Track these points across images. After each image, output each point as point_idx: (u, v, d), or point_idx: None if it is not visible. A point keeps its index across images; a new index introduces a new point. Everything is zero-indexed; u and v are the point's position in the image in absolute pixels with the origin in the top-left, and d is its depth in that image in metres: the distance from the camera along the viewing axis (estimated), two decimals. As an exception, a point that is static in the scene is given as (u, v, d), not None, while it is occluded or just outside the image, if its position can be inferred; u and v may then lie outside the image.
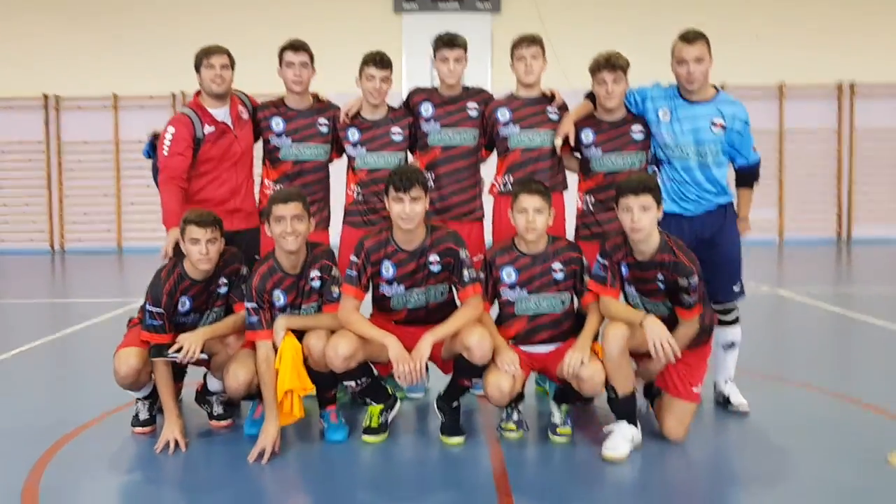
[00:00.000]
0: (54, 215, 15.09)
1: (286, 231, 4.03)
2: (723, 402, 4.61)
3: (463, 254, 4.15)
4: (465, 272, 4.14)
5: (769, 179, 14.75)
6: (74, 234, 15.16)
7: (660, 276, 3.97)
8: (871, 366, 5.94)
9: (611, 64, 4.48)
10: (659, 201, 3.93)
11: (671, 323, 4.01)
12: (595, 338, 4.15)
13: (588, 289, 4.21)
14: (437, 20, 14.23)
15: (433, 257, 4.15)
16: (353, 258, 4.15)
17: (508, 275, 4.24)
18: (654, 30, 14.59)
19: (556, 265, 4.23)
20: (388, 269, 4.16)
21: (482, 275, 4.27)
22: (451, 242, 4.16)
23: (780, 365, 5.73)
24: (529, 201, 4.12)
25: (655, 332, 3.85)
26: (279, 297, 4.16)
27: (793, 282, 10.45)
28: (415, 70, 13.25)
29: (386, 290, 4.22)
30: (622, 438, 3.89)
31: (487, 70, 13.89)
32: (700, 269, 3.96)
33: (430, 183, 4.66)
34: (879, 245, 14.43)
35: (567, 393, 4.13)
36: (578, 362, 3.91)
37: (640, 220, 3.85)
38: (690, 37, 4.41)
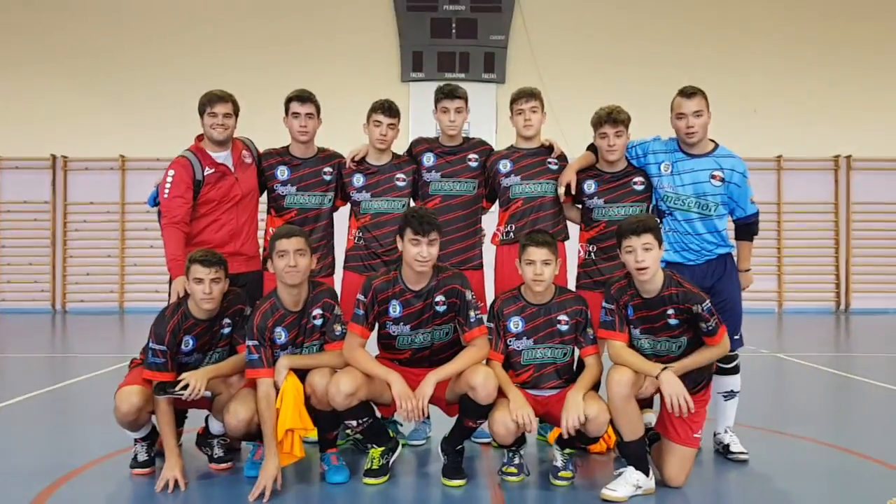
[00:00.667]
0: (57, 275, 15.17)
1: (289, 265, 4.09)
2: (722, 451, 4.60)
3: (469, 295, 4.21)
4: (471, 313, 4.19)
5: (769, 250, 14.90)
6: (77, 295, 15.21)
7: (669, 312, 3.99)
8: (868, 421, 5.97)
9: (612, 118, 4.61)
10: (660, 240, 3.99)
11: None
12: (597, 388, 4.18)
13: (590, 341, 4.26)
14: (443, 89, 14.68)
15: (439, 298, 4.20)
16: (360, 297, 4.20)
17: (516, 324, 4.29)
18: (654, 101, 14.91)
19: (563, 317, 4.27)
20: (395, 309, 4.21)
21: (490, 324, 4.31)
22: (457, 283, 4.22)
23: (778, 419, 5.72)
24: (537, 253, 4.19)
25: (672, 387, 3.86)
26: (280, 335, 4.19)
27: (791, 347, 10.48)
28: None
29: (392, 329, 4.26)
30: (625, 482, 3.87)
31: (492, 137, 14.11)
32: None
33: None
34: (877, 315, 14.50)
35: (570, 437, 4.13)
36: (576, 420, 3.92)
37: (645, 260, 3.91)
38: (689, 91, 4.54)
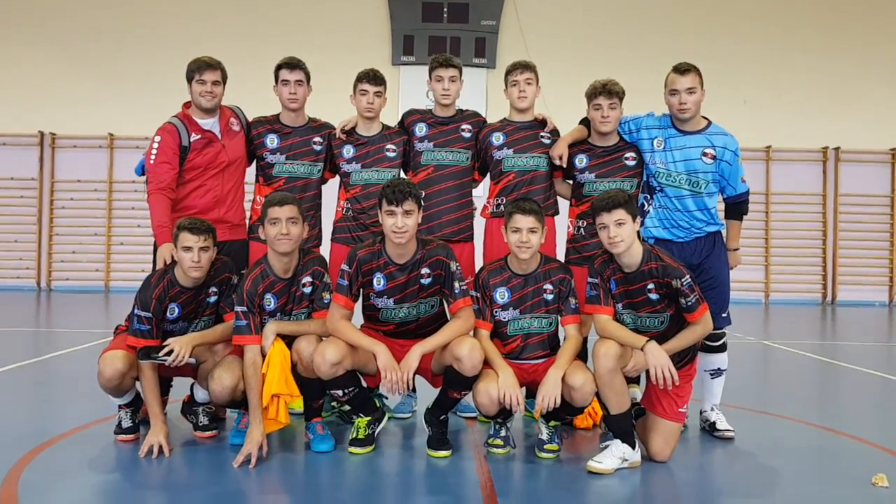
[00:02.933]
0: (43, 253, 15.06)
1: (281, 232, 4.05)
2: (708, 429, 4.61)
3: (454, 266, 4.17)
4: (456, 284, 4.16)
5: (756, 241, 14.95)
6: (62, 273, 15.12)
7: (650, 286, 3.99)
8: (851, 403, 6.04)
9: (607, 90, 4.59)
10: (634, 214, 3.97)
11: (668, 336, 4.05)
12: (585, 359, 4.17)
13: (571, 310, 4.24)
14: (434, 73, 14.67)
15: (425, 270, 4.15)
16: (344, 267, 4.16)
17: (502, 295, 4.27)
18: (644, 89, 14.92)
19: (548, 286, 4.27)
20: (378, 282, 4.17)
21: (475, 293, 4.28)
22: (442, 255, 4.17)
23: (764, 401, 5.76)
24: (524, 221, 4.16)
25: (657, 358, 3.84)
26: (270, 301, 4.16)
27: (778, 335, 10.53)
28: (410, 120, 13.34)
29: (376, 301, 4.23)
30: (611, 454, 3.87)
31: (481, 122, 14.10)
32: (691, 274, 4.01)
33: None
34: (863, 308, 14.61)
35: (555, 409, 4.11)
36: (551, 401, 3.92)
37: (618, 235, 3.90)
38: (683, 68, 4.52)
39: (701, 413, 4.70)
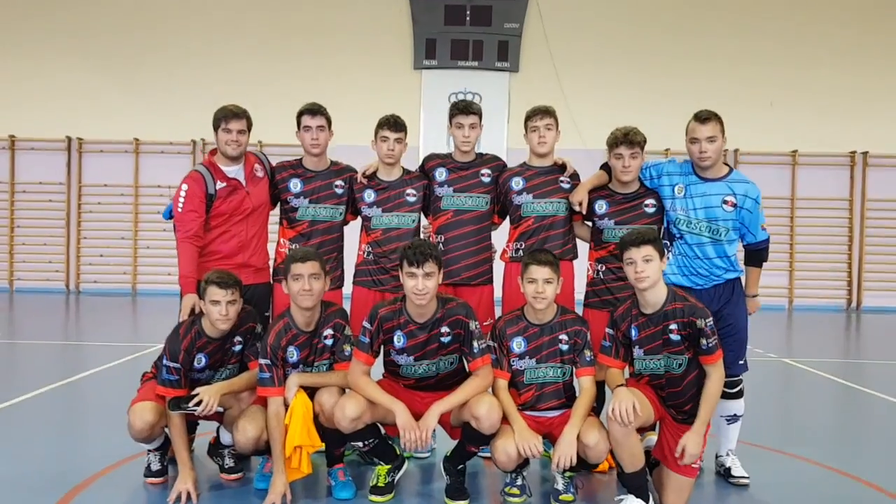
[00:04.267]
0: (71, 256, 15.31)
1: (304, 288, 4.16)
2: (723, 474, 4.65)
3: (473, 325, 4.23)
4: (475, 343, 4.22)
5: (781, 246, 14.85)
6: (90, 276, 15.36)
7: (672, 327, 4.03)
8: (873, 441, 5.95)
9: (629, 140, 4.61)
10: (661, 252, 4.05)
11: (688, 384, 4.10)
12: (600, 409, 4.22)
13: (586, 363, 4.30)
14: (456, 78, 14.57)
15: (444, 329, 4.23)
16: (366, 324, 4.24)
17: (518, 345, 4.34)
18: (668, 93, 14.96)
19: (563, 336, 4.33)
20: (399, 339, 4.25)
21: (493, 343, 4.35)
22: (461, 314, 4.23)
23: (782, 437, 5.72)
24: (539, 272, 4.23)
25: (619, 398, 3.89)
26: (292, 354, 4.28)
27: (801, 351, 10.45)
28: (432, 125, 13.38)
29: (396, 358, 4.31)
30: (626, 509, 3.94)
31: (504, 126, 14.12)
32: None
33: (441, 246, 4.80)
34: (889, 314, 14.47)
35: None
36: (567, 461, 3.99)
37: (644, 271, 3.97)
38: (703, 116, 4.54)
39: (716, 457, 4.74)
